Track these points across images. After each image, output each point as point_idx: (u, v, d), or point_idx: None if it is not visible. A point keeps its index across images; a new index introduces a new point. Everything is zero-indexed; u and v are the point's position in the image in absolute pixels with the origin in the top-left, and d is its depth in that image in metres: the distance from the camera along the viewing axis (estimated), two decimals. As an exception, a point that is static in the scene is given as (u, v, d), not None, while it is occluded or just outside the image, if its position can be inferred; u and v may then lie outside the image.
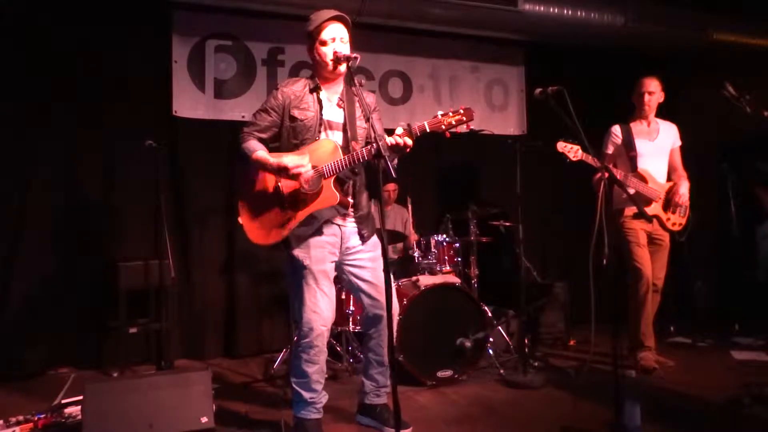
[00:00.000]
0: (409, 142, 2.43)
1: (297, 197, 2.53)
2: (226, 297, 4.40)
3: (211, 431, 2.59)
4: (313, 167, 2.51)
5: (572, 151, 3.26)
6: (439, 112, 2.43)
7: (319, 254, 2.57)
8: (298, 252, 2.57)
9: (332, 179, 2.52)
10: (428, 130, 2.43)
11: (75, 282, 3.97)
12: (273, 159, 2.51)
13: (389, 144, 2.40)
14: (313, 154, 2.54)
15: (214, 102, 4.40)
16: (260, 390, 3.48)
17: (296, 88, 2.63)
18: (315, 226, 2.55)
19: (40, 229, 3.92)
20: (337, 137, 2.63)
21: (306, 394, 2.61)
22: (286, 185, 2.55)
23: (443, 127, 2.42)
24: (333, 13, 2.54)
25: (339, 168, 2.49)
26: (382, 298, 2.62)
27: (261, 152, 2.56)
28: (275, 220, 2.58)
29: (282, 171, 2.49)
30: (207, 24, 4.37)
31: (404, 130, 2.43)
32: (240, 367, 4.04)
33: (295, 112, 2.59)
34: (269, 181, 2.60)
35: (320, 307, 2.56)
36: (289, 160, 2.48)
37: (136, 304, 3.90)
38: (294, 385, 2.63)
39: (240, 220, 2.65)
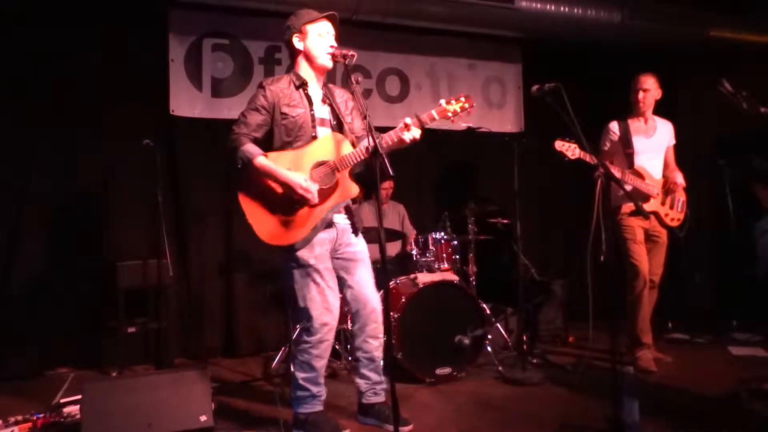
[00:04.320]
0: (418, 134, 2.51)
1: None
2: (224, 296, 4.40)
3: (210, 430, 2.59)
4: (323, 163, 2.54)
5: (570, 149, 3.25)
6: (442, 101, 2.53)
7: (322, 252, 2.59)
8: (302, 253, 2.55)
9: (347, 171, 2.56)
10: (437, 118, 2.52)
11: (73, 282, 3.97)
12: (281, 172, 2.48)
13: (402, 138, 2.50)
14: (320, 150, 2.56)
15: (211, 101, 4.39)
16: (259, 388, 3.48)
17: (282, 85, 2.62)
18: (321, 225, 2.57)
19: (39, 229, 3.92)
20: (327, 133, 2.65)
21: (314, 389, 2.62)
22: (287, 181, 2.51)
23: (449, 114, 2.51)
24: (318, 13, 2.61)
25: (355, 160, 2.53)
26: (365, 292, 2.70)
27: (262, 158, 2.51)
28: (295, 218, 2.53)
29: (289, 187, 2.48)
30: (204, 23, 4.37)
31: (413, 120, 2.49)
32: (239, 366, 4.04)
33: (285, 109, 2.57)
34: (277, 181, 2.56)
35: (329, 302, 2.59)
36: (300, 181, 2.47)
37: (135, 304, 3.89)
38: (302, 382, 2.61)
39: (249, 220, 2.56)
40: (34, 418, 2.73)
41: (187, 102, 4.32)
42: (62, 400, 2.98)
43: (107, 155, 4.11)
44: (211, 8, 4.30)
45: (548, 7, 4.48)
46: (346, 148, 2.56)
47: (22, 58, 3.89)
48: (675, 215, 3.72)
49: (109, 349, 3.93)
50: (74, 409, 2.80)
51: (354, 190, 2.58)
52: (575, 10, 4.56)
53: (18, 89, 3.87)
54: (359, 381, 2.79)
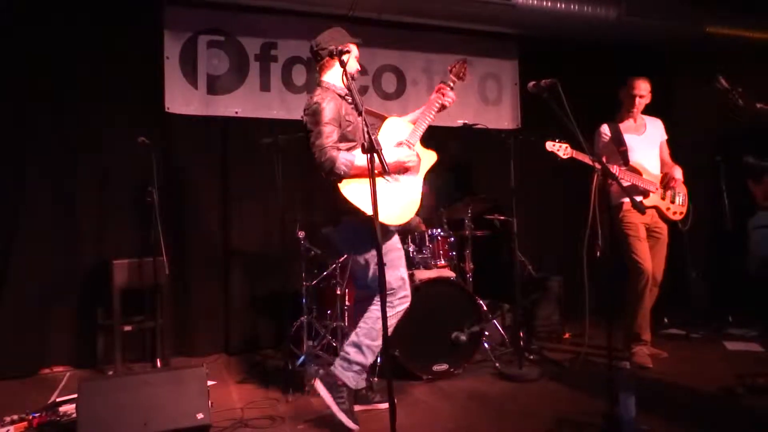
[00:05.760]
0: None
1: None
2: (221, 294, 4.39)
3: (206, 428, 2.59)
4: (399, 144, 2.84)
5: (561, 149, 3.27)
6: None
7: None
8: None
9: (418, 142, 2.89)
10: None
11: (69, 280, 3.96)
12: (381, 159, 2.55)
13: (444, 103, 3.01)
14: (388, 134, 2.86)
15: (207, 98, 4.37)
16: (256, 386, 3.48)
17: (336, 100, 2.77)
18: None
19: (35, 227, 3.90)
20: None
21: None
22: (392, 166, 2.75)
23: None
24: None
25: (423, 127, 2.92)
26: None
27: (361, 158, 2.59)
28: (405, 197, 2.83)
29: (397, 168, 2.76)
30: (198, 19, 4.34)
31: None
32: (235, 363, 4.04)
33: (349, 118, 2.79)
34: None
35: None
36: (402, 156, 2.78)
37: (131, 302, 3.87)
38: (371, 349, 2.75)
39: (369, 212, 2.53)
40: (30, 417, 2.73)
41: (183, 99, 4.30)
42: (58, 399, 2.97)
43: (103, 153, 4.09)
44: (206, 5, 4.28)
45: (545, 3, 4.48)
46: (407, 124, 2.91)
47: (22, 58, 3.87)
48: (677, 209, 3.72)
49: (105, 348, 3.92)
50: (70, 408, 2.79)
51: (433, 153, 2.99)
52: (572, 7, 4.55)
53: (17, 89, 3.86)
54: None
